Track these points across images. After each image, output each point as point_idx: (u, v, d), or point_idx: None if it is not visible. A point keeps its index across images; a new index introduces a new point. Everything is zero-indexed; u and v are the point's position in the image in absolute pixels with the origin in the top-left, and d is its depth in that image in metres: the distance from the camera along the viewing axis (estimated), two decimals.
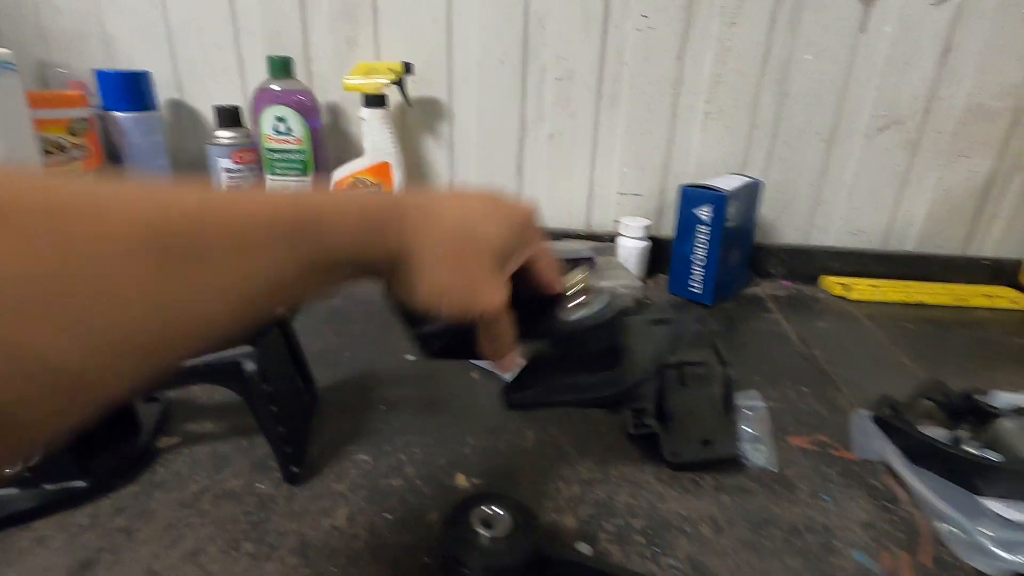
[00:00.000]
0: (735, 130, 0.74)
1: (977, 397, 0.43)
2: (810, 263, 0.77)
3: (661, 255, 0.73)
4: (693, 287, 0.69)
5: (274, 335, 0.41)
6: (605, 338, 0.33)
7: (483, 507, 0.27)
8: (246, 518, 0.35)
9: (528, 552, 0.25)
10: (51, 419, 0.16)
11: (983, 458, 0.38)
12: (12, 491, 0.35)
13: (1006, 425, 0.40)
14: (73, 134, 0.68)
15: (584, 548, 0.33)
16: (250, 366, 0.36)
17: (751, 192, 0.69)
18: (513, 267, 0.30)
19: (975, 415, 0.43)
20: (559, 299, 0.33)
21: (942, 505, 0.36)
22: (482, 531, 0.26)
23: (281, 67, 0.71)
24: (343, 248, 0.24)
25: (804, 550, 0.34)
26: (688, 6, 0.69)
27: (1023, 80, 0.67)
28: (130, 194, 0.18)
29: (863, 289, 0.72)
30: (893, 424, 0.41)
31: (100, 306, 0.16)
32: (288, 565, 0.32)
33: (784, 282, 0.77)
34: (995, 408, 0.42)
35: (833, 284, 0.74)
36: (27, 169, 0.17)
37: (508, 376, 0.33)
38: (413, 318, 0.30)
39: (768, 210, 0.77)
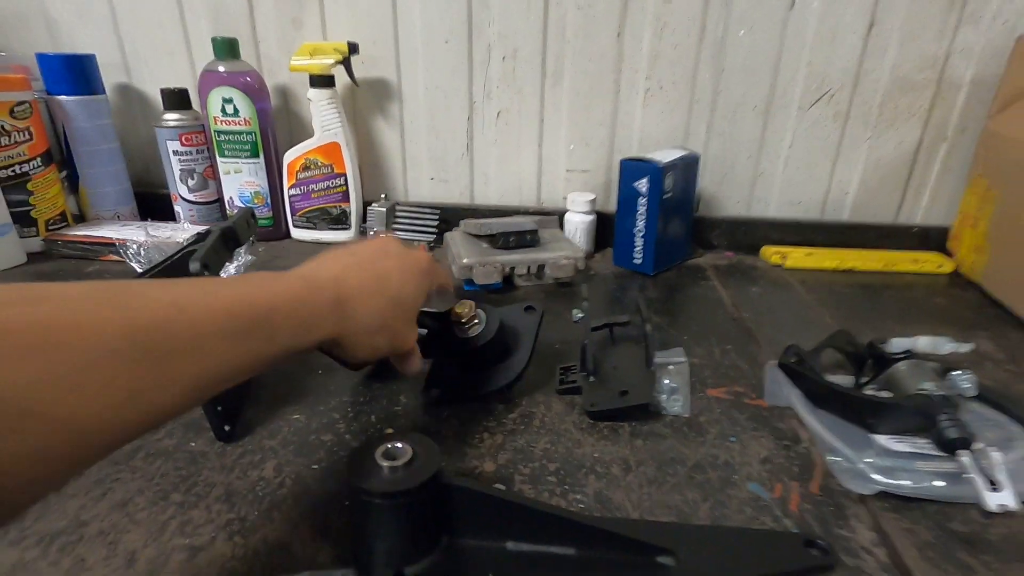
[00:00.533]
0: (675, 105, 0.76)
1: (878, 345, 0.46)
2: (751, 234, 0.80)
3: (608, 229, 0.75)
4: (635, 258, 0.72)
5: None
6: (495, 343, 0.43)
7: (387, 444, 0.29)
8: (176, 472, 0.37)
9: (425, 478, 0.27)
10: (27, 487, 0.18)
11: (873, 397, 0.41)
12: None
13: (900, 368, 0.43)
14: (15, 117, 0.68)
15: (499, 487, 0.36)
16: None
17: (689, 164, 0.71)
18: (424, 305, 0.39)
19: (876, 361, 0.46)
20: (455, 323, 0.43)
21: (835, 441, 0.38)
22: (384, 463, 0.28)
23: (226, 48, 0.71)
24: (288, 340, 0.28)
25: (704, 484, 0.37)
26: None
27: (944, 53, 0.71)
28: (102, 303, 0.21)
29: (797, 257, 0.75)
30: (797, 371, 0.44)
31: (80, 402, 0.19)
32: (213, 511, 0.34)
33: (727, 253, 0.80)
34: (893, 354, 0.44)
35: (771, 253, 0.76)
36: (12, 290, 0.20)
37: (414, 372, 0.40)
38: (348, 364, 0.39)
39: (710, 183, 0.79)
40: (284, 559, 0.30)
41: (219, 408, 0.39)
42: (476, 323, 0.43)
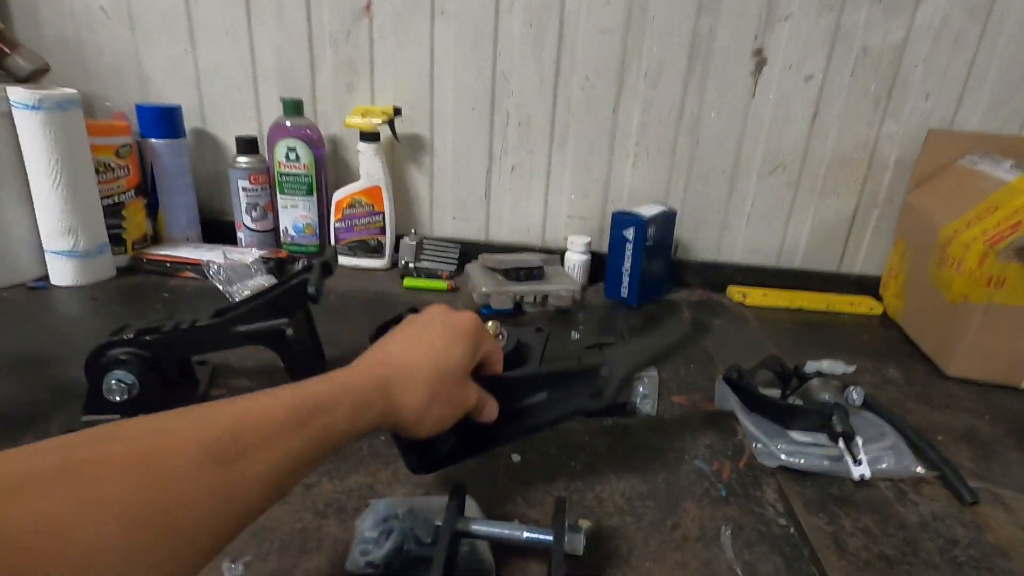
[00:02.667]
0: (658, 167, 0.92)
1: (799, 367, 0.61)
2: (720, 275, 0.96)
3: (601, 266, 0.91)
4: (623, 292, 0.87)
5: (301, 313, 0.56)
6: (513, 357, 0.54)
7: None
8: None
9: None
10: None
11: (789, 404, 0.56)
12: (114, 416, 0.50)
13: (812, 383, 0.58)
14: (119, 157, 0.83)
15: (516, 457, 0.50)
16: (290, 331, 0.51)
17: (668, 218, 0.87)
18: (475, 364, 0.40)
19: (799, 378, 0.61)
20: None
21: (758, 433, 0.53)
22: None
23: (293, 107, 0.87)
24: (345, 424, 0.31)
25: (662, 460, 0.51)
26: (619, 71, 0.87)
27: (874, 138, 0.88)
28: (182, 425, 0.26)
29: (756, 296, 0.91)
30: (737, 384, 0.59)
31: (178, 509, 0.23)
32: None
33: (699, 291, 0.96)
34: (808, 373, 0.60)
35: (735, 292, 0.92)
36: (108, 430, 0.25)
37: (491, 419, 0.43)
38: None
39: (686, 232, 0.95)
40: (369, 493, 0.44)
41: None
42: (500, 338, 0.58)
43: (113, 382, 0.48)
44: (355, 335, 0.69)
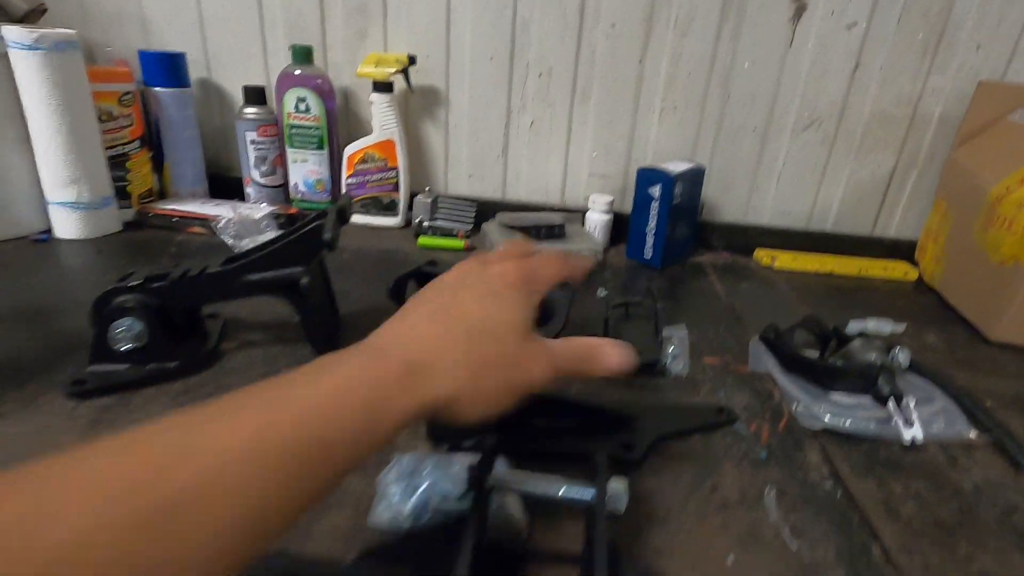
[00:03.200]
0: (686, 124, 0.88)
1: (839, 328, 0.58)
2: (747, 238, 0.92)
3: (623, 227, 0.87)
4: (646, 253, 0.83)
5: (315, 263, 0.53)
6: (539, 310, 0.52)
7: None
8: None
9: None
10: None
11: (830, 363, 0.53)
12: (122, 367, 0.47)
13: (854, 344, 0.55)
14: (122, 105, 0.79)
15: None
16: (304, 281, 0.49)
17: (696, 175, 0.83)
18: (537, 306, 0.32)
19: (838, 340, 0.58)
20: None
21: (799, 394, 0.50)
22: None
23: (303, 55, 0.83)
24: (349, 449, 0.23)
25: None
26: (648, 18, 0.82)
27: (917, 93, 0.83)
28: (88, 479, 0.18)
29: (785, 260, 0.87)
30: (774, 344, 0.56)
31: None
32: None
33: (724, 253, 0.92)
34: (850, 334, 0.56)
35: (763, 255, 0.88)
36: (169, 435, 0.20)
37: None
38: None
39: (712, 192, 0.91)
40: (390, 448, 0.42)
41: (324, 348, 0.51)
42: None
43: (119, 330, 0.46)
44: (368, 294, 0.67)
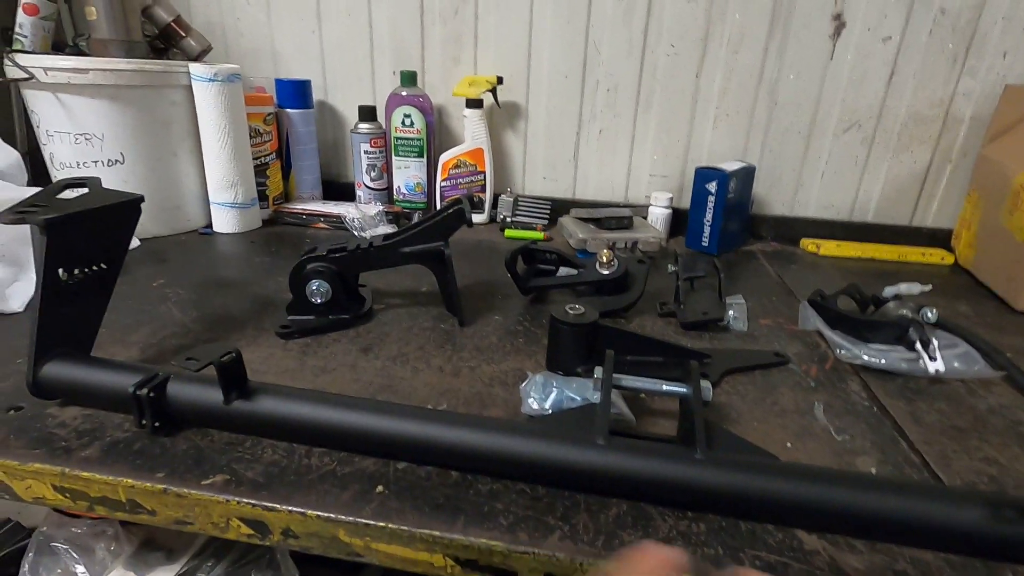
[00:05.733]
0: (737, 128, 1.00)
1: (877, 295, 0.69)
2: (792, 229, 1.03)
3: (680, 221, 1.00)
4: (703, 242, 0.95)
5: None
6: (621, 279, 0.69)
7: (569, 305, 0.55)
8: (441, 337, 0.63)
9: (591, 320, 0.53)
10: None
11: (869, 319, 0.64)
12: (310, 317, 0.63)
13: (889, 305, 0.66)
14: (266, 124, 0.97)
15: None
16: (447, 251, 0.63)
17: (747, 173, 0.95)
18: None
19: (876, 304, 0.68)
20: (599, 262, 0.70)
21: (843, 341, 0.62)
22: (570, 311, 0.54)
23: (409, 78, 0.99)
24: None
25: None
26: (703, 38, 0.95)
27: (949, 96, 0.92)
28: None
29: (830, 247, 0.97)
30: (821, 304, 0.67)
31: None
32: (465, 353, 0.59)
33: (773, 243, 1.03)
34: (885, 297, 0.67)
35: (808, 244, 0.99)
36: None
37: None
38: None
39: (761, 188, 1.02)
40: (522, 374, 0.56)
41: (460, 305, 0.65)
42: (613, 263, 0.68)
43: (314, 287, 0.61)
44: (472, 272, 0.81)
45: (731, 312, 0.70)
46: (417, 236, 0.64)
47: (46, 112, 0.80)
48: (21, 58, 0.76)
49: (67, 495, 0.41)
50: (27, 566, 0.69)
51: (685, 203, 0.98)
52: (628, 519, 0.38)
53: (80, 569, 0.69)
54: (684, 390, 0.46)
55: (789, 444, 0.47)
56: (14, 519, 0.81)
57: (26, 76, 0.76)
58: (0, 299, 0.62)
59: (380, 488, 0.40)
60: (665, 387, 0.46)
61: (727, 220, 0.93)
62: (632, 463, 0.39)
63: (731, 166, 0.93)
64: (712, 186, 0.92)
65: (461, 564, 0.37)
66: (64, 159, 0.82)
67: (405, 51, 1.04)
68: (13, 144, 0.81)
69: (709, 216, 0.93)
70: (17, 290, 0.63)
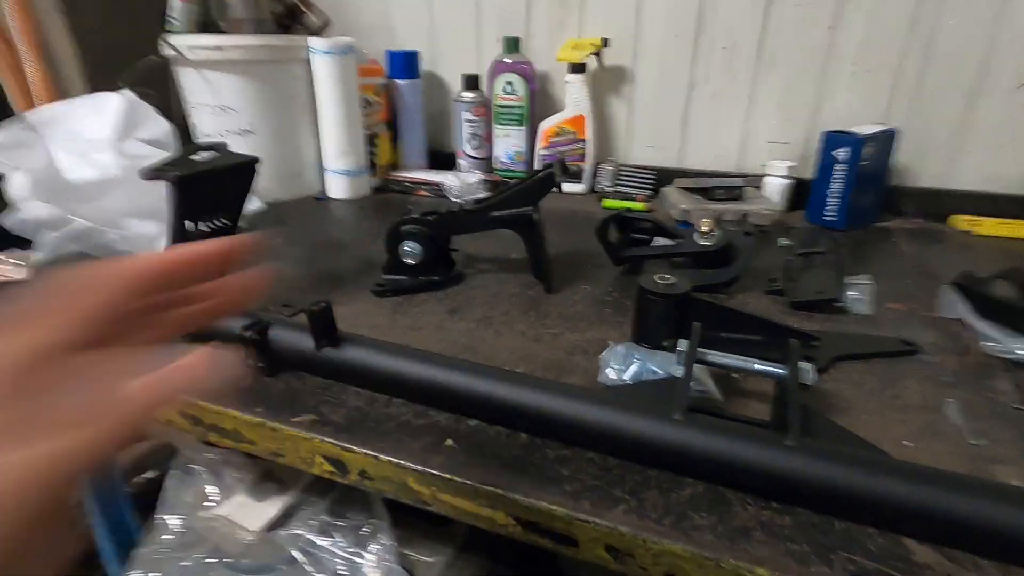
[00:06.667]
0: (877, 88, 0.87)
1: None
2: (942, 204, 0.88)
3: (802, 193, 0.90)
4: (827, 216, 0.85)
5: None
6: (722, 251, 0.63)
7: (658, 275, 0.51)
8: (528, 304, 0.62)
9: (682, 291, 0.49)
10: None
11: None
12: (403, 278, 0.65)
13: None
14: (376, 95, 1.01)
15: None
16: (536, 216, 0.62)
17: (887, 138, 0.83)
18: None
19: None
20: (698, 231, 0.65)
21: (995, 332, 0.52)
22: (659, 280, 0.50)
23: (513, 44, 0.98)
24: None
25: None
26: None
27: None
28: None
29: (991, 225, 0.83)
30: (967, 288, 0.57)
31: None
32: (550, 320, 0.58)
33: (916, 219, 0.90)
34: None
35: (960, 221, 0.85)
36: None
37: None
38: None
39: (904, 157, 0.89)
40: (604, 343, 0.54)
41: (548, 271, 0.64)
42: (713, 234, 0.63)
43: (407, 247, 0.63)
44: (565, 241, 0.79)
45: (852, 293, 0.62)
46: (507, 200, 0.64)
47: (192, 86, 0.90)
48: (172, 39, 0.86)
49: (188, 420, 0.47)
50: (170, 481, 0.80)
51: (806, 172, 0.88)
52: (703, 502, 0.36)
53: (212, 489, 0.79)
54: (780, 370, 0.41)
55: (907, 443, 0.41)
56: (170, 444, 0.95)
57: (176, 54, 0.85)
58: (150, 250, 0.71)
59: (449, 442, 0.41)
60: (757, 366, 0.42)
61: (858, 192, 0.82)
62: (711, 442, 0.36)
63: (866, 130, 0.81)
64: (842, 153, 0.81)
65: (522, 524, 0.37)
66: (205, 129, 0.92)
67: (511, 17, 1.03)
68: (168, 116, 0.92)
69: (837, 187, 0.83)
70: (162, 244, 0.73)
